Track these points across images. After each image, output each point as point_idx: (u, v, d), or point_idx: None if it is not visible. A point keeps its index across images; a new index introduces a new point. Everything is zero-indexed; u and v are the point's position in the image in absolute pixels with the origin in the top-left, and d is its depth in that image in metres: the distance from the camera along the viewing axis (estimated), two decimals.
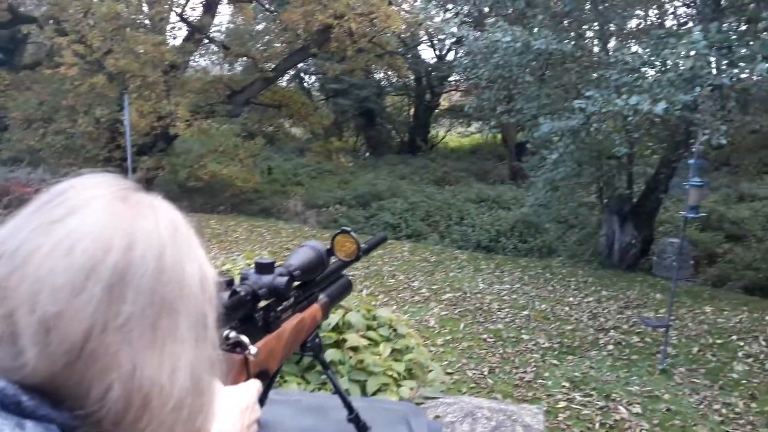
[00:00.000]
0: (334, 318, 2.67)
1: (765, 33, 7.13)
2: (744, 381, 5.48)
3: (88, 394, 0.47)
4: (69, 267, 0.47)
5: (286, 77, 20.42)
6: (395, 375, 2.56)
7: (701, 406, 4.94)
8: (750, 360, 5.97)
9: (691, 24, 9.28)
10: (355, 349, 2.61)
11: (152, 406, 0.49)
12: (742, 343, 6.40)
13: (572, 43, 8.13)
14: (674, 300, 5.98)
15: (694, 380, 5.46)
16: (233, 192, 14.25)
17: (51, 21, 13.51)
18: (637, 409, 4.84)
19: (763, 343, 6.44)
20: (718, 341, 6.45)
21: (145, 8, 13.41)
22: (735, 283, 9.72)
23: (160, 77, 12.67)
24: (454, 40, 17.45)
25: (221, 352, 0.60)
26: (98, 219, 0.49)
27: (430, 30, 17.19)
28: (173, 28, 14.99)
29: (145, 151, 13.48)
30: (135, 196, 0.54)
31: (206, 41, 16.24)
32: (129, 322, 0.48)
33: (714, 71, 6.56)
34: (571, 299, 7.90)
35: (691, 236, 10.51)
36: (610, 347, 6.22)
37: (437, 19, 11.97)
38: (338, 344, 2.65)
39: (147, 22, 13.57)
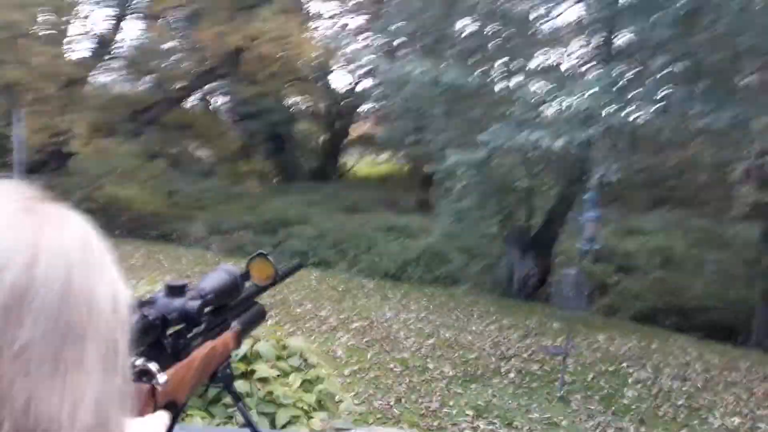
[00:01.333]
0: (243, 348, 2.56)
1: (651, 78, 7.73)
2: (634, 406, 5.78)
3: None
4: None
5: (194, 98, 19.89)
6: (305, 407, 2.48)
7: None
8: (639, 386, 6.32)
9: (587, 67, 9.93)
10: (264, 380, 2.51)
11: None
12: (631, 370, 6.77)
13: (478, 78, 8.47)
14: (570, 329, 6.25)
15: (590, 406, 5.70)
16: (131, 215, 13.55)
17: None
18: None
19: (650, 369, 6.85)
20: (611, 368, 6.79)
21: (42, 18, 12.69)
22: (625, 313, 10.32)
23: (57, 91, 11.98)
24: (364, 71, 17.77)
25: (132, 383, 0.54)
26: None
27: (342, 59, 17.37)
28: (73, 41, 14.27)
29: (36, 170, 12.61)
30: (42, 207, 0.48)
31: (110, 56, 15.56)
32: (26, 351, 0.42)
33: (607, 112, 7.03)
34: (474, 328, 8.07)
35: (584, 267, 11.08)
36: (512, 375, 6.38)
37: (350, 48, 12.13)
38: (246, 375, 2.54)
39: (43, 33, 12.84)
